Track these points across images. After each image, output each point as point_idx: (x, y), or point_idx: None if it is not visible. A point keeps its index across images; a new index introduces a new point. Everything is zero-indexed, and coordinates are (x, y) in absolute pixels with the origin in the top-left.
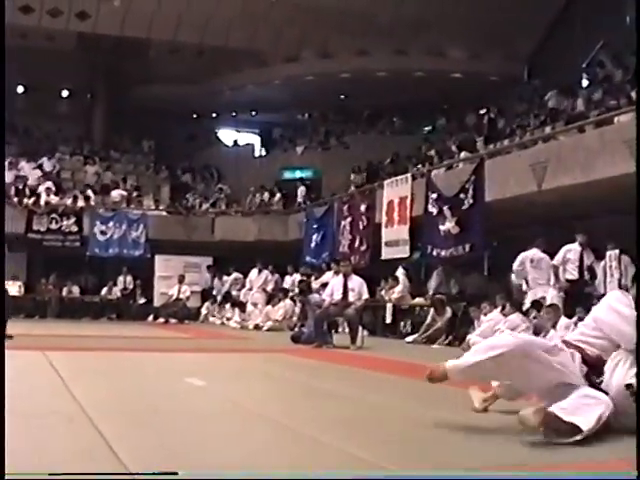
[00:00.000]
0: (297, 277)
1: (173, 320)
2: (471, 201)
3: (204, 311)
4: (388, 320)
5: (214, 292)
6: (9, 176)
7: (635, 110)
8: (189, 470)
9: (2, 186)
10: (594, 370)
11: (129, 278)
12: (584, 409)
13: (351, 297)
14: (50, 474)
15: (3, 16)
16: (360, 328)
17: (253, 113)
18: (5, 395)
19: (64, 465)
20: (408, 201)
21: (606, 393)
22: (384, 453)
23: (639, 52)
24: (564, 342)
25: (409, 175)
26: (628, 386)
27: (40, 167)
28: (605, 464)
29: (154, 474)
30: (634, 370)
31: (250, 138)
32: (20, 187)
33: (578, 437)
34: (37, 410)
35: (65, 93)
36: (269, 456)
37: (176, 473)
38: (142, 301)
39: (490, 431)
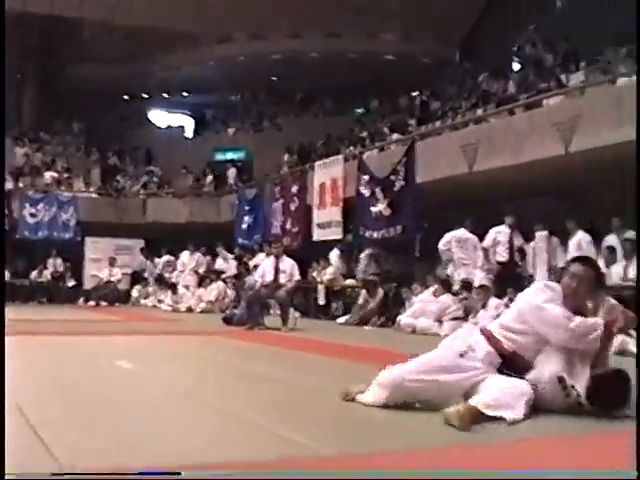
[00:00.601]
0: (230, 259)
1: (104, 303)
2: (403, 183)
3: (135, 294)
4: (321, 302)
5: (146, 274)
6: None
7: (636, 112)
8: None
9: (2, 184)
10: (509, 364)
11: (59, 261)
12: (508, 400)
13: (282, 279)
14: (53, 474)
15: (3, 16)
16: (292, 310)
17: (185, 94)
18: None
19: None
20: (340, 183)
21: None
22: (319, 435)
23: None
24: (484, 331)
25: (341, 157)
26: (560, 379)
27: None
28: (530, 441)
29: (155, 474)
30: (562, 364)
31: (182, 119)
32: None
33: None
34: None
35: None
36: (201, 440)
37: (179, 473)
38: (72, 284)
39: (426, 411)
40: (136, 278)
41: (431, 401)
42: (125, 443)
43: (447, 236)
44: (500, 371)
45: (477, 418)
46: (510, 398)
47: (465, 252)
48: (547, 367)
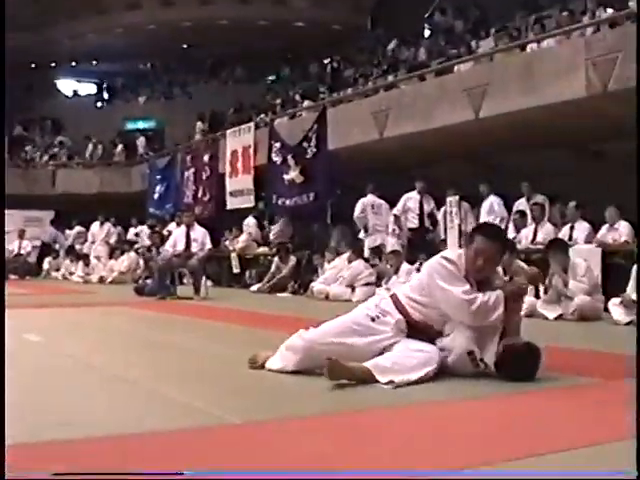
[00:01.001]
0: (142, 229)
1: (13, 276)
2: (314, 150)
3: (46, 266)
4: (235, 270)
5: (57, 246)
6: None
7: (635, 111)
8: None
9: (2, 182)
10: (418, 331)
11: None
12: (411, 364)
13: (194, 248)
14: (53, 474)
15: (3, 16)
16: (204, 279)
17: (94, 63)
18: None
19: None
20: (251, 150)
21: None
22: (226, 404)
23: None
24: (394, 297)
25: (252, 124)
26: (469, 352)
27: None
28: (443, 403)
29: (158, 474)
30: (472, 336)
31: (91, 88)
32: None
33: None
34: None
35: None
36: (113, 411)
37: (181, 473)
38: None
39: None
40: (46, 250)
41: None
42: (35, 407)
43: (361, 203)
44: (410, 337)
45: (367, 377)
46: (415, 362)
47: (380, 218)
48: (457, 339)
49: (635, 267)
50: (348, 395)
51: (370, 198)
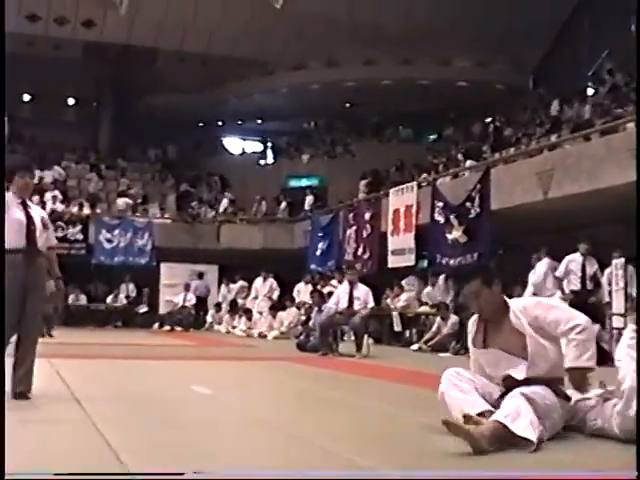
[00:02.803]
0: (303, 286)
1: (178, 328)
2: (478, 210)
3: (209, 319)
4: (397, 328)
5: (220, 300)
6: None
7: (635, 112)
8: None
9: (2, 184)
10: None
11: (131, 286)
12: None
13: (357, 305)
14: (55, 474)
15: (3, 16)
16: (365, 336)
17: (259, 121)
18: (5, 401)
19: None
20: (414, 209)
21: None
22: (395, 463)
23: (639, 55)
24: None
25: (415, 183)
26: None
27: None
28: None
29: (159, 474)
30: None
31: (256, 146)
32: None
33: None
34: (44, 417)
35: (71, 101)
36: (277, 466)
37: (182, 473)
38: (143, 310)
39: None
40: (209, 304)
41: None
42: (206, 459)
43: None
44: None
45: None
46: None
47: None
48: None
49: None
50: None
51: (549, 262)
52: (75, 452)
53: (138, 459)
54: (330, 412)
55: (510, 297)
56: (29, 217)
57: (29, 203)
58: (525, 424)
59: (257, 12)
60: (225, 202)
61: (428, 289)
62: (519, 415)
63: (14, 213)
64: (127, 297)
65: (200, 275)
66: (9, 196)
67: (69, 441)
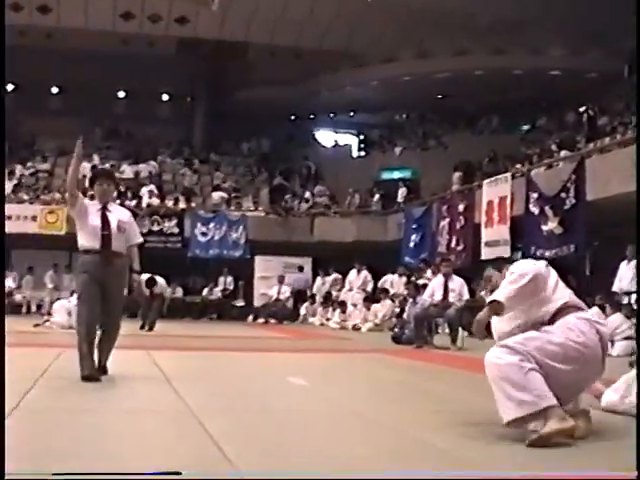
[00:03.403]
0: (396, 278)
1: (273, 320)
2: (573, 201)
3: (303, 311)
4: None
5: (315, 291)
6: None
7: (636, 114)
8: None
9: (2, 186)
10: None
11: (229, 279)
12: None
13: (451, 297)
14: (53, 474)
15: (3, 16)
16: (460, 329)
17: (351, 114)
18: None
19: (173, 464)
20: (508, 201)
21: None
22: (491, 455)
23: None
24: None
25: (509, 175)
26: None
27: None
28: None
29: (156, 474)
30: None
31: (348, 139)
32: (122, 190)
33: None
34: (144, 407)
35: (165, 97)
36: (372, 458)
37: (179, 473)
38: (240, 304)
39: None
40: (302, 296)
41: None
42: (301, 450)
43: None
44: None
45: None
46: None
47: None
48: None
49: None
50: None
51: None
52: (178, 445)
53: (242, 451)
54: (425, 404)
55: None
56: (105, 222)
57: (110, 207)
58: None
59: (347, 4)
60: (309, 194)
61: None
62: None
63: (91, 220)
64: (224, 290)
65: (300, 268)
66: (90, 202)
67: (171, 433)
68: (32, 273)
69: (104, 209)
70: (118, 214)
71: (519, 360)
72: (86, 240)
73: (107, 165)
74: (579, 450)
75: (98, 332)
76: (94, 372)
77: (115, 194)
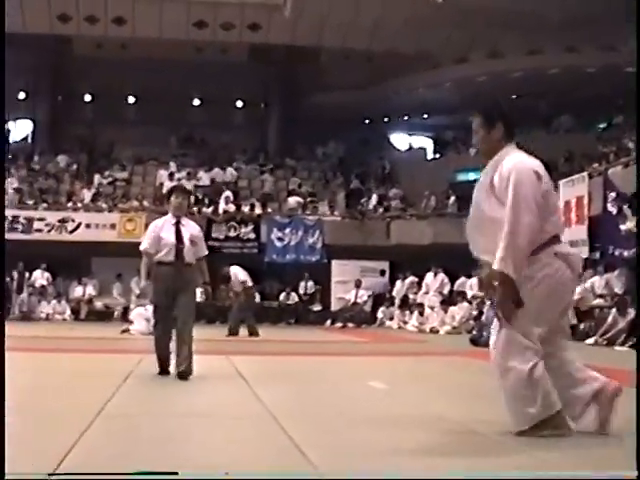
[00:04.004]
0: (474, 280)
1: (350, 324)
2: None
3: (380, 315)
4: (572, 321)
5: (394, 294)
6: (189, 186)
7: (636, 120)
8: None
9: (2, 187)
10: None
11: (310, 283)
12: None
13: None
14: (49, 474)
15: (3, 16)
16: None
17: (425, 116)
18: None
19: (258, 468)
20: (585, 200)
21: None
22: (571, 458)
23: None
24: None
25: (585, 174)
26: None
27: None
28: None
29: (154, 473)
30: None
31: (422, 141)
32: (199, 196)
33: None
34: (225, 412)
35: (240, 104)
36: (454, 462)
37: (176, 473)
38: (317, 308)
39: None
40: (379, 300)
41: None
42: (385, 455)
43: None
44: None
45: None
46: None
47: None
48: None
49: None
50: None
51: None
52: (261, 450)
53: (325, 456)
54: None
55: None
56: (179, 236)
57: (183, 221)
58: None
59: (418, 6)
60: (375, 198)
61: (602, 281)
62: None
63: (167, 235)
64: (304, 294)
65: (382, 272)
66: (165, 217)
67: (253, 438)
68: (121, 280)
69: (178, 223)
70: (190, 229)
71: (525, 362)
72: (161, 253)
73: (183, 172)
74: (579, 450)
75: (173, 338)
76: (167, 369)
77: (193, 200)
